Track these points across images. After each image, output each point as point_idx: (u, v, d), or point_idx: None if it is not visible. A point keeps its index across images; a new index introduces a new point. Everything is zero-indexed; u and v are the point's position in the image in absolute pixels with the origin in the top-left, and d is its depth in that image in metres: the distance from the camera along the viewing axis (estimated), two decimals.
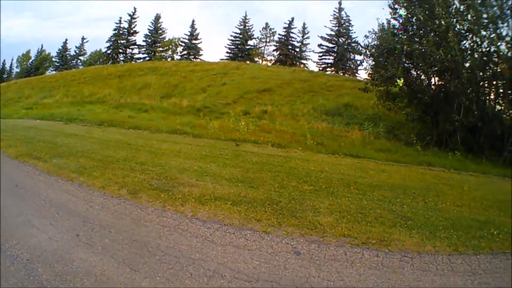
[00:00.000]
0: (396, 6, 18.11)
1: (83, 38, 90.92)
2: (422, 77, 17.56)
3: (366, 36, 20.14)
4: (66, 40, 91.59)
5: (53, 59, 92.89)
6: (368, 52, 20.30)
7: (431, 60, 15.50)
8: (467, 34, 15.98)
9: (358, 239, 6.01)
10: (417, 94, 16.60)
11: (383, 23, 19.30)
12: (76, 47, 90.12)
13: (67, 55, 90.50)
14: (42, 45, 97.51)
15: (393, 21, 18.69)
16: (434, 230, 6.33)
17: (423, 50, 15.71)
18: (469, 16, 15.74)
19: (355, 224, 6.60)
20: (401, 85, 17.37)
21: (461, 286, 4.81)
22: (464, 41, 16.10)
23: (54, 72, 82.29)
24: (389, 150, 14.35)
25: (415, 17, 16.99)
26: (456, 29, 15.71)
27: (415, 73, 17.78)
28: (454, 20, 15.84)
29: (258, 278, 4.88)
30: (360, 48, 22.93)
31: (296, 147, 14.18)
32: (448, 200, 8.26)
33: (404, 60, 17.27)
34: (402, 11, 17.88)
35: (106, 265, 5.22)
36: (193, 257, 5.45)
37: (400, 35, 17.72)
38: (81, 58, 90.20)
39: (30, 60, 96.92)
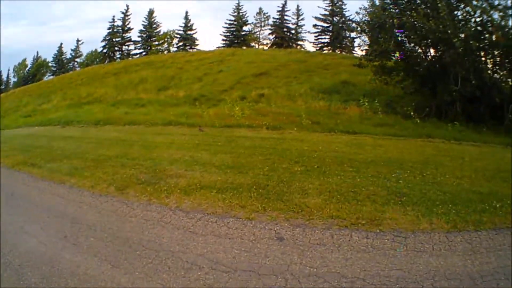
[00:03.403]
0: None
1: (78, 40, 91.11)
2: (417, 49, 17.19)
3: (357, 13, 19.89)
4: (61, 44, 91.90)
5: (50, 64, 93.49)
6: (359, 29, 20.03)
7: (423, 32, 15.20)
8: (459, 4, 15.66)
9: (347, 220, 5.83)
10: (413, 66, 16.41)
11: None
12: (72, 50, 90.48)
13: (63, 59, 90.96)
14: (37, 52, 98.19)
15: None
16: (431, 206, 6.06)
17: (414, 22, 15.42)
18: None
19: (345, 204, 6.43)
20: (398, 56, 17.11)
21: (460, 267, 4.46)
22: (457, 12, 15.74)
23: (51, 77, 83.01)
24: (387, 124, 14.07)
25: None
26: None
27: (409, 45, 17.37)
28: None
29: (237, 268, 4.82)
30: (353, 25, 22.70)
31: (292, 128, 13.97)
32: (448, 172, 7.96)
33: (396, 33, 16.89)
34: None
35: (89, 264, 5.28)
36: (173, 249, 5.47)
37: (391, 9, 17.38)
38: (78, 60, 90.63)
39: (27, 68, 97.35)
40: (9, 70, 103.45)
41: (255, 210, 6.45)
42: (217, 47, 68.69)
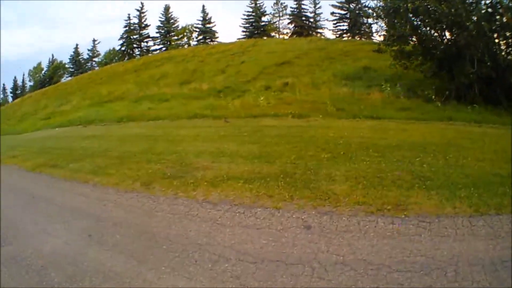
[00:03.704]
0: None
1: (94, 40, 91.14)
2: (433, 33, 16.95)
3: None
4: (77, 45, 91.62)
5: (67, 65, 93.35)
6: (375, 14, 19.88)
7: (437, 15, 15.08)
8: None
9: (373, 205, 5.81)
10: (430, 50, 16.27)
11: None
12: (89, 50, 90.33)
13: (80, 60, 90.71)
14: (52, 55, 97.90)
15: None
16: (454, 189, 6.01)
17: (427, 6, 15.26)
18: None
19: (371, 189, 6.39)
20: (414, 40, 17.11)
21: (482, 252, 4.45)
22: None
23: (69, 78, 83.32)
24: (409, 108, 14.04)
25: None
26: None
27: (425, 29, 17.13)
28: None
29: (264, 258, 4.81)
30: (369, 11, 22.48)
31: (317, 116, 14.01)
32: (469, 155, 7.88)
33: (411, 17, 16.72)
34: None
35: (115, 261, 5.31)
36: (200, 242, 5.46)
37: None
38: (96, 59, 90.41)
39: (43, 71, 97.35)
40: (24, 74, 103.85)
41: (282, 199, 6.42)
42: (237, 39, 68.70)
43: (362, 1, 61.34)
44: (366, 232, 5.10)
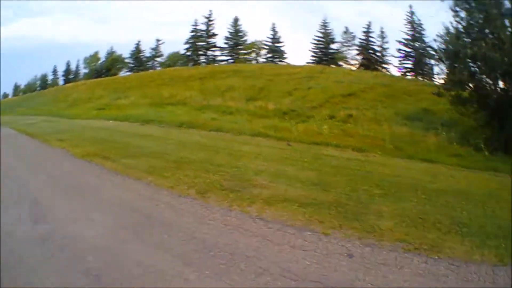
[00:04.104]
0: (457, 8, 17.77)
1: (158, 40, 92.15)
2: (488, 80, 17.03)
3: (435, 40, 19.83)
4: (139, 42, 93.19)
5: (126, 60, 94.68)
6: (437, 56, 20.02)
7: (492, 63, 15.17)
8: None
9: (412, 244, 5.98)
10: (485, 98, 16.37)
11: (447, 26, 18.68)
12: (152, 48, 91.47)
13: (142, 57, 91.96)
14: (112, 47, 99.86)
15: (456, 24, 18.18)
16: (485, 238, 6.24)
17: (484, 52, 15.34)
18: None
19: (413, 229, 6.57)
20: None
21: None
22: None
23: (128, 73, 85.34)
24: (460, 155, 14.14)
25: (474, 19, 16.77)
26: (509, 30, 15.41)
27: (481, 76, 17.25)
28: (507, 20, 15.62)
29: (305, 278, 4.96)
30: (432, 52, 22.54)
31: (376, 151, 14.24)
32: (506, 207, 8.02)
33: (469, 63, 16.89)
34: (462, 13, 17.61)
35: (158, 258, 5.53)
36: (248, 254, 5.60)
37: (464, 38, 17.41)
38: (158, 59, 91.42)
39: (100, 61, 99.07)
40: (78, 60, 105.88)
41: (332, 226, 6.65)
42: (306, 63, 70.61)
43: (426, 41, 61.17)
44: (402, 267, 5.30)
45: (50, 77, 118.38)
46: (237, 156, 12.64)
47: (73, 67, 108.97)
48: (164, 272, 5.15)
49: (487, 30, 16.19)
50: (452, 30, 18.29)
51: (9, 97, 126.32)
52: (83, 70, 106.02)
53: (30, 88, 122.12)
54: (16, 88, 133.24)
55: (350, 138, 16.42)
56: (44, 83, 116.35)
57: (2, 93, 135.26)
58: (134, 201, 8.31)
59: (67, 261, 5.50)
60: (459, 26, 17.93)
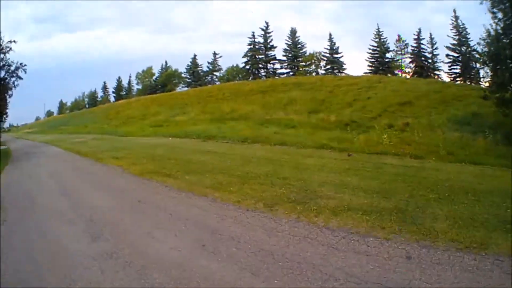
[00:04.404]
0: (494, 9, 17.89)
1: (215, 53, 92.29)
2: None
3: (479, 44, 20.24)
4: (195, 55, 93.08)
5: (182, 75, 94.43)
6: (481, 60, 20.11)
7: None
8: None
9: (463, 243, 6.39)
10: None
11: (488, 29, 18.80)
12: (209, 62, 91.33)
13: (199, 71, 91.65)
14: (166, 61, 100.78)
15: (495, 26, 18.27)
16: None
17: None
18: None
19: (464, 229, 6.98)
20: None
21: None
22: None
23: (185, 88, 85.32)
24: (505, 156, 14.27)
25: (510, 20, 16.90)
26: None
27: None
28: None
29: (367, 281, 5.35)
30: (477, 56, 22.47)
31: (431, 157, 14.56)
32: None
33: (510, 64, 17.09)
34: (500, 15, 17.70)
35: (227, 271, 5.83)
36: (315, 262, 5.95)
37: (503, 39, 17.52)
38: (216, 73, 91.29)
39: (154, 77, 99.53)
40: (130, 76, 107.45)
41: (392, 231, 7.07)
42: (363, 73, 71.27)
43: (472, 45, 61.00)
44: (453, 265, 5.69)
45: (99, 93, 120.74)
46: (301, 168, 13.07)
47: (124, 83, 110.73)
48: (232, 284, 5.50)
49: None
50: (492, 32, 18.46)
51: (54, 114, 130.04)
52: (135, 86, 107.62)
53: (77, 105, 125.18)
54: (62, 105, 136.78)
55: (408, 146, 16.76)
56: (93, 100, 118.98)
57: (45, 110, 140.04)
58: (200, 217, 8.67)
59: (131, 278, 5.85)
60: (498, 27, 18.12)
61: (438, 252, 6.18)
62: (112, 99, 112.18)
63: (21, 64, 33.38)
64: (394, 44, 76.62)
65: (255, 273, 5.73)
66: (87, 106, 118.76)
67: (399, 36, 76.35)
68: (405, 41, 75.34)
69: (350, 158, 15.14)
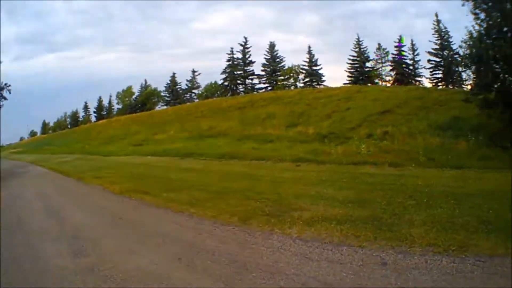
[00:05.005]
0: (477, 10, 17.76)
1: (193, 71, 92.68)
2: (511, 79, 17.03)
3: (460, 46, 20.11)
4: (174, 74, 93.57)
5: (162, 93, 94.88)
6: (463, 62, 20.12)
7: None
8: None
9: (441, 246, 6.33)
10: (510, 98, 16.26)
11: (470, 30, 18.65)
12: (187, 80, 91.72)
13: (178, 89, 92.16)
14: (146, 80, 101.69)
15: (477, 27, 18.10)
16: (509, 232, 6.50)
17: (504, 52, 15.43)
18: None
19: (442, 232, 6.91)
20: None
21: None
22: None
23: (164, 107, 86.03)
24: (488, 157, 14.33)
25: (492, 20, 16.74)
26: None
27: (505, 77, 17.24)
28: None
29: None
30: (459, 59, 22.58)
31: (410, 165, 14.48)
32: None
33: (493, 65, 16.94)
34: (482, 15, 17.59)
35: (202, 283, 5.86)
36: (288, 272, 5.93)
37: (486, 40, 17.29)
38: (195, 91, 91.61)
39: (134, 96, 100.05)
40: (110, 96, 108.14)
41: (367, 239, 7.01)
42: (343, 84, 71.45)
43: (454, 48, 61.09)
44: (431, 269, 5.65)
45: (81, 113, 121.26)
46: (278, 182, 13.10)
47: (105, 102, 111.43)
48: None
49: (505, 29, 16.25)
50: (475, 33, 18.37)
51: (38, 135, 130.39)
52: (116, 106, 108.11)
53: (60, 125, 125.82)
54: (45, 125, 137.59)
55: (387, 154, 16.70)
56: (75, 120, 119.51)
57: (29, 130, 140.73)
58: (176, 233, 8.74)
59: None
60: (481, 28, 17.99)
61: (415, 257, 6.15)
62: (93, 119, 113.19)
63: (5, 84, 34.27)
64: (374, 53, 77.84)
65: (229, 284, 5.75)
66: (69, 126, 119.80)
67: (379, 44, 77.78)
68: (385, 49, 76.66)
69: (327, 169, 15.19)
